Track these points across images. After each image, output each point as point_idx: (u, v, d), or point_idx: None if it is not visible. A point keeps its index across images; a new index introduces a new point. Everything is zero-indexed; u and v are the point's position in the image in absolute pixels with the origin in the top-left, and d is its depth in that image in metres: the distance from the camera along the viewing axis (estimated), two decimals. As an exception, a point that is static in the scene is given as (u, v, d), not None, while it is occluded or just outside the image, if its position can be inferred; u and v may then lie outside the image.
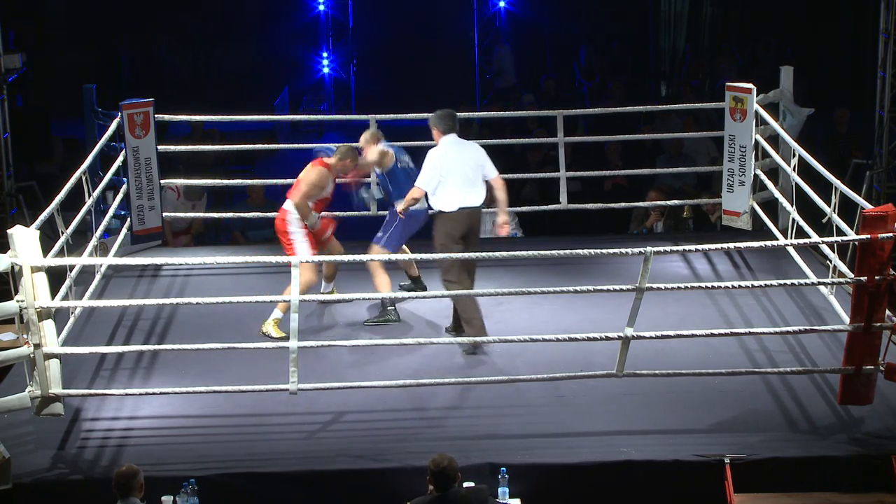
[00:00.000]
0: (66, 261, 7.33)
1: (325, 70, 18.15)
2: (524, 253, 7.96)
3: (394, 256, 8.34)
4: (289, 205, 8.41)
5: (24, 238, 6.51)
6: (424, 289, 8.78)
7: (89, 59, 16.72)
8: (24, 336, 6.68)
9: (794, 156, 8.93)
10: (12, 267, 6.53)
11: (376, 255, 8.34)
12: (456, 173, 7.98)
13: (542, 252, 7.67)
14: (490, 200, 8.28)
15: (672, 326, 7.68)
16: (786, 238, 9.02)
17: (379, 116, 10.28)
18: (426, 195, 8.11)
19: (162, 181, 9.96)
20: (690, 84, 16.68)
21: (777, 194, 9.38)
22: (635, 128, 13.60)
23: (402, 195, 8.30)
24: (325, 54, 18.13)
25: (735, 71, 15.60)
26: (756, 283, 8.38)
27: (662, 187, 11.47)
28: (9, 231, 6.56)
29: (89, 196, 8.65)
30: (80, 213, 8.49)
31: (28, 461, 6.65)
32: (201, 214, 10.83)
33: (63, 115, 14.35)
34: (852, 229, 7.59)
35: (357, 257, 7.58)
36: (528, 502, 6.49)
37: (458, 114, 11.30)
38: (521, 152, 13.03)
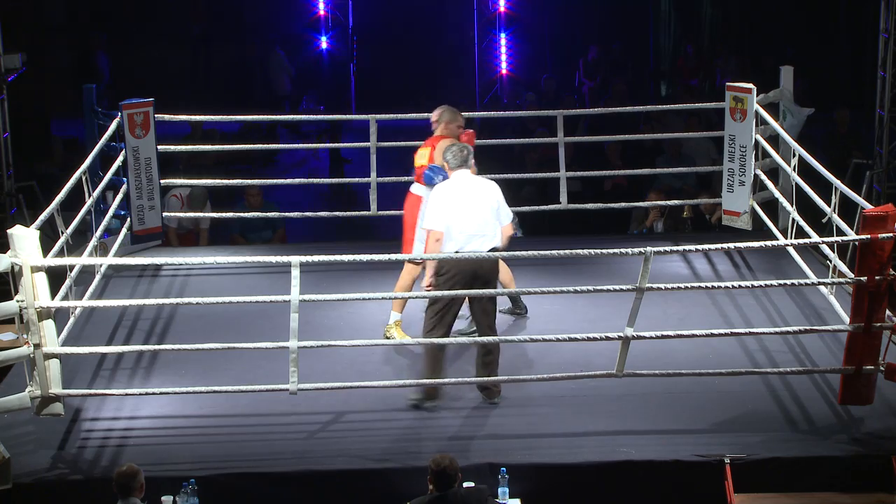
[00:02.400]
0: (66, 261, 7.33)
1: (325, 70, 18.14)
2: (524, 253, 7.95)
3: (397, 257, 8.15)
4: (419, 189, 7.99)
5: (24, 238, 6.51)
6: (523, 309, 8.44)
7: (90, 58, 16.71)
8: (24, 336, 6.68)
9: (794, 156, 8.93)
10: (12, 267, 6.53)
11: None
12: (463, 214, 7.21)
13: (542, 252, 7.67)
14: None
15: (672, 326, 7.69)
16: (786, 238, 9.02)
17: (379, 116, 10.27)
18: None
19: (162, 181, 9.95)
20: (690, 84, 16.69)
21: (777, 194, 9.38)
22: (635, 128, 13.60)
23: None
24: (324, 52, 18.12)
25: (735, 71, 15.60)
26: (756, 283, 8.38)
27: (662, 188, 11.47)
28: (9, 231, 6.56)
29: (89, 196, 8.65)
30: (80, 213, 8.49)
31: (28, 461, 6.65)
32: (207, 214, 10.77)
33: (63, 115, 14.35)
34: (852, 229, 7.59)
35: (355, 257, 7.55)
36: (528, 502, 6.49)
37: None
38: (520, 152, 13.04)
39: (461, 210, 7.20)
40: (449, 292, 7.05)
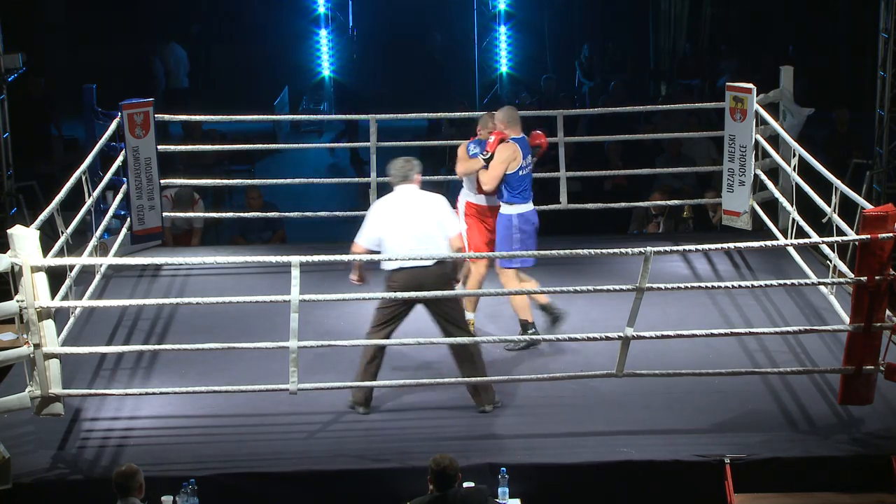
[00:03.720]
0: (66, 261, 7.33)
1: (325, 70, 18.13)
2: (524, 253, 7.95)
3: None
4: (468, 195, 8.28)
5: (24, 238, 6.51)
6: (557, 318, 8.08)
7: (89, 59, 16.71)
8: (24, 336, 6.68)
9: (794, 156, 8.93)
10: (12, 267, 6.53)
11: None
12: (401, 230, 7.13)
13: (542, 252, 7.66)
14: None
15: (672, 326, 7.68)
16: (786, 238, 9.02)
17: (379, 116, 10.28)
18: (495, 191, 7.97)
19: (162, 181, 9.95)
20: (690, 84, 16.68)
21: (777, 194, 9.38)
22: (635, 128, 13.60)
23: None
24: (325, 54, 18.12)
25: (735, 71, 15.60)
26: (756, 283, 8.38)
27: (665, 188, 11.47)
28: (9, 231, 6.55)
29: (89, 196, 8.65)
30: (80, 213, 8.49)
31: (28, 461, 6.65)
32: (199, 214, 10.78)
33: (63, 115, 14.35)
34: (852, 229, 7.59)
35: (355, 257, 7.54)
36: (528, 502, 6.49)
37: (458, 114, 11.38)
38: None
39: (399, 226, 7.11)
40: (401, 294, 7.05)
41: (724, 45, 17.25)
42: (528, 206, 8.02)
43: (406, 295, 7.00)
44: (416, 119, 12.86)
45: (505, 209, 8.02)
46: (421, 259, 7.01)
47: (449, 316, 7.18)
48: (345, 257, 7.16)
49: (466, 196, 8.29)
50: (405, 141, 10.57)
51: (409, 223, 7.11)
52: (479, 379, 7.20)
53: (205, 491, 6.37)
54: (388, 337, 7.17)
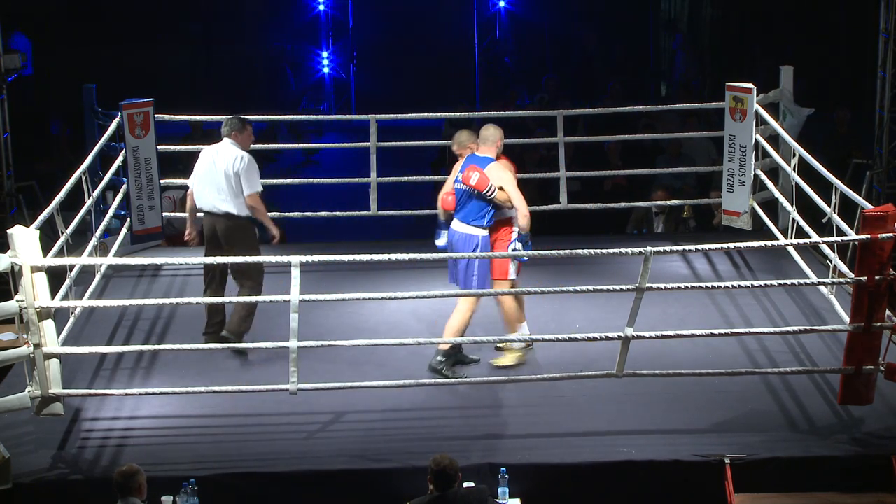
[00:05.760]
0: (66, 261, 7.33)
1: (326, 70, 18.15)
2: (524, 253, 7.94)
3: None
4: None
5: (24, 238, 6.51)
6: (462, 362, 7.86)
7: (89, 58, 16.71)
8: (24, 336, 6.68)
9: (794, 156, 8.93)
10: (12, 267, 6.53)
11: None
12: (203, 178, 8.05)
13: (542, 252, 7.66)
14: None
15: (672, 326, 7.68)
16: (786, 238, 9.02)
17: (379, 116, 10.28)
18: None
19: (162, 181, 9.95)
20: (690, 84, 16.68)
21: (777, 194, 9.38)
22: (635, 128, 13.59)
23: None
24: (325, 54, 18.13)
25: (735, 71, 15.59)
26: (756, 283, 8.37)
27: (666, 185, 11.46)
28: (9, 231, 6.55)
29: (89, 196, 8.66)
30: (80, 213, 8.49)
31: (28, 461, 6.65)
32: (199, 215, 10.78)
33: (63, 115, 14.34)
34: (852, 229, 7.59)
35: (355, 257, 7.55)
36: (528, 502, 6.49)
37: (458, 114, 11.37)
38: (520, 153, 13.02)
39: (202, 174, 8.05)
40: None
41: (725, 45, 17.25)
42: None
43: (406, 295, 6.94)
44: (427, 119, 12.85)
45: (481, 232, 7.64)
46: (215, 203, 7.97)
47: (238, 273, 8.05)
48: (345, 257, 7.16)
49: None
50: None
51: (210, 174, 8.01)
52: (480, 379, 7.20)
53: (205, 491, 6.37)
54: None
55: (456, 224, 7.65)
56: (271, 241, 8.23)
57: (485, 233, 7.60)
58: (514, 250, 7.65)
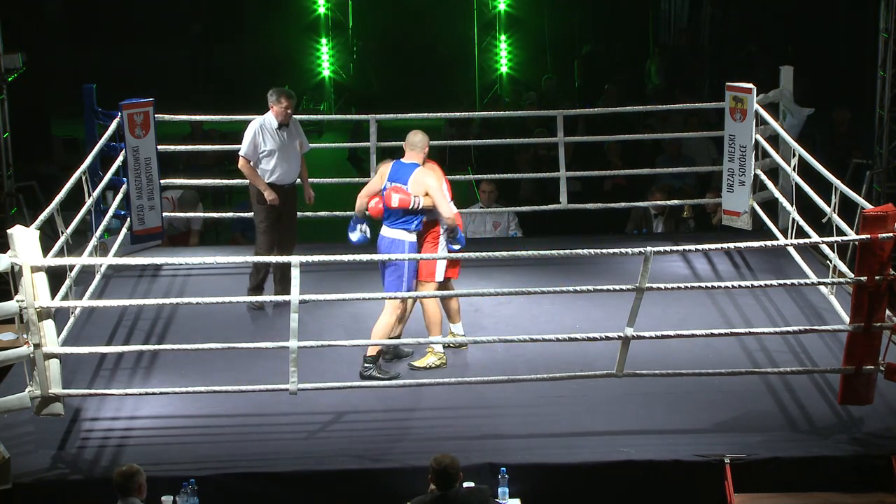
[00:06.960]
0: (66, 261, 7.33)
1: (325, 70, 18.14)
2: (524, 253, 7.95)
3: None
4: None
5: (24, 238, 6.51)
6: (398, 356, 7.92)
7: (90, 58, 16.73)
8: (24, 336, 6.68)
9: (794, 156, 8.93)
10: (12, 267, 6.53)
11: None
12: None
13: (542, 252, 7.66)
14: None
15: (672, 326, 7.68)
16: (786, 238, 9.02)
17: (379, 116, 10.28)
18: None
19: (162, 181, 9.95)
20: (690, 84, 16.67)
21: (777, 194, 9.38)
22: (635, 128, 13.59)
23: None
24: (325, 54, 18.12)
25: (735, 71, 15.58)
26: (756, 283, 8.38)
27: (664, 187, 11.46)
28: (9, 231, 6.55)
29: (89, 196, 8.65)
30: (80, 213, 8.48)
31: (28, 461, 6.65)
32: (199, 215, 10.78)
33: (63, 115, 14.35)
34: (852, 229, 7.59)
35: (355, 257, 7.54)
36: (528, 502, 6.49)
37: (458, 114, 11.37)
38: (520, 152, 13.03)
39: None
40: None
41: (725, 45, 17.24)
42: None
43: (408, 295, 6.91)
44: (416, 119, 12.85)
45: (410, 237, 7.63)
46: None
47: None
48: (345, 257, 7.16)
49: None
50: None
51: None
52: (480, 379, 7.20)
53: (205, 491, 6.37)
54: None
55: (385, 230, 7.65)
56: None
57: (413, 238, 7.60)
58: (449, 251, 7.67)
